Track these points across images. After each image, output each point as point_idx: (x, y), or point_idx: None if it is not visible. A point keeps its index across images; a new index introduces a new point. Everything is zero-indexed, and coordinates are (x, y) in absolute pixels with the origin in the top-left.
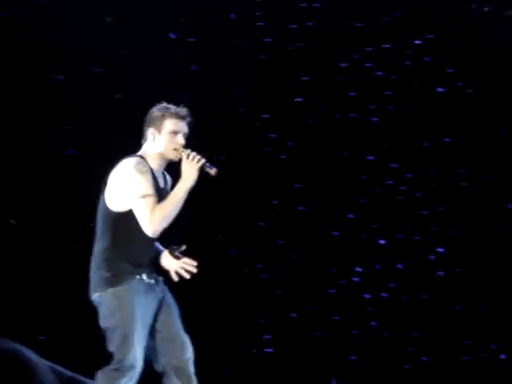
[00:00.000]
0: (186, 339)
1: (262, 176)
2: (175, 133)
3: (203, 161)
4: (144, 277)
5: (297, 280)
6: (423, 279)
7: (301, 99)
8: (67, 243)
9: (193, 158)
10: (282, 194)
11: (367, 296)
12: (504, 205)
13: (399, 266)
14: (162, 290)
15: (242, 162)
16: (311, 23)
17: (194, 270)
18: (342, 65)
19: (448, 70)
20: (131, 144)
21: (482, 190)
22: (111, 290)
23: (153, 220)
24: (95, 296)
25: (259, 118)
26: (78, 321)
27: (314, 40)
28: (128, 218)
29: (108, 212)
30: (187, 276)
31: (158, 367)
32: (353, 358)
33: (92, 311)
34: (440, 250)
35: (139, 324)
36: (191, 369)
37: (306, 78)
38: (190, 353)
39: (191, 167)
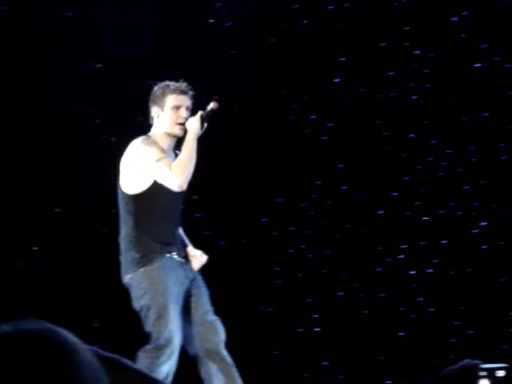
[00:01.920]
0: (217, 321)
1: (304, 157)
2: (177, 107)
3: (200, 111)
4: (174, 255)
5: (343, 259)
6: (467, 253)
7: (339, 80)
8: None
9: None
10: (325, 175)
11: (412, 272)
12: None
13: (443, 241)
14: (191, 269)
15: (284, 143)
16: (348, 4)
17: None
18: (380, 44)
19: (484, 46)
20: None
21: None
22: (142, 269)
23: (175, 174)
24: (127, 278)
25: (299, 100)
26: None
27: (351, 20)
28: (145, 198)
29: (126, 196)
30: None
31: (191, 351)
32: (401, 333)
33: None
34: (483, 223)
35: (172, 301)
36: (223, 351)
37: (343, 59)
38: (221, 335)
39: (194, 121)
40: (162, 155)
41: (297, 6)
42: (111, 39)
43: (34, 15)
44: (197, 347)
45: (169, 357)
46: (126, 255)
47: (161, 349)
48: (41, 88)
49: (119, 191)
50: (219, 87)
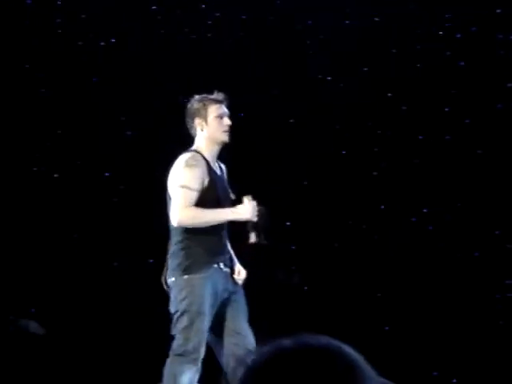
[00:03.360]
0: (250, 336)
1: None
2: (220, 117)
3: (255, 222)
4: (221, 265)
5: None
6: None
7: None
8: None
9: (254, 210)
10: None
11: None
12: None
13: None
14: (234, 282)
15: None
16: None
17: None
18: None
19: None
20: None
21: None
22: (186, 276)
23: (184, 213)
24: (170, 280)
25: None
26: None
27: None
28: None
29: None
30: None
31: (222, 360)
32: None
33: None
34: None
35: (206, 313)
36: None
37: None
38: (253, 346)
39: (248, 211)
40: (190, 185)
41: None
42: None
43: None
44: (227, 355)
45: (194, 363)
46: (174, 259)
47: (187, 356)
48: None
49: (168, 201)
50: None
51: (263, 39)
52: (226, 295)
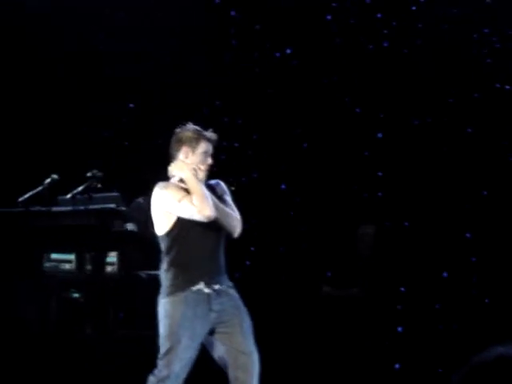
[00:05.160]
0: (253, 352)
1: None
2: (206, 154)
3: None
4: (201, 286)
5: None
6: None
7: None
8: None
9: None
10: None
11: None
12: None
13: None
14: (221, 302)
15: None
16: None
17: None
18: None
19: None
20: None
21: None
22: (167, 299)
23: (199, 206)
24: (159, 303)
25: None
26: None
27: None
28: (172, 236)
29: (158, 236)
30: None
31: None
32: None
33: None
34: None
35: (185, 336)
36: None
37: None
38: (255, 367)
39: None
40: (182, 194)
41: None
42: None
43: None
44: (230, 375)
45: None
46: (162, 282)
47: (165, 380)
48: None
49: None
50: None
51: None
52: (212, 317)
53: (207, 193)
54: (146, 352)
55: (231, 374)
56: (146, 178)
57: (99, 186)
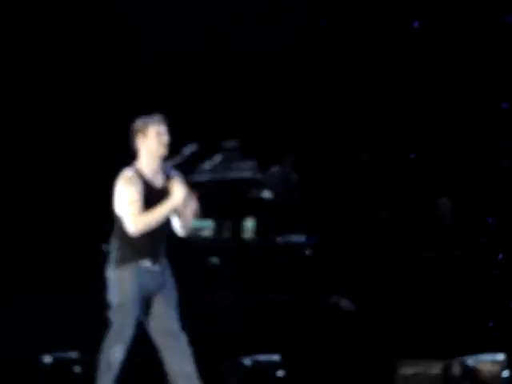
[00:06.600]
0: (178, 330)
1: None
2: (160, 134)
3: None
4: (146, 263)
5: None
6: None
7: None
8: None
9: (185, 190)
10: None
11: None
12: None
13: None
14: (164, 277)
15: None
16: None
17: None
18: None
19: None
20: None
21: None
22: (117, 270)
23: (136, 221)
24: (107, 272)
25: None
26: None
27: None
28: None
29: (115, 212)
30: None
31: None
32: None
33: None
34: None
35: (134, 300)
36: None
37: None
38: (185, 350)
39: (180, 194)
40: (135, 198)
41: None
42: None
43: None
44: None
45: (124, 342)
46: (112, 255)
47: (119, 335)
48: None
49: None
50: None
51: None
52: (152, 288)
53: (157, 222)
54: (283, 316)
55: (162, 348)
56: (281, 147)
57: (236, 154)
